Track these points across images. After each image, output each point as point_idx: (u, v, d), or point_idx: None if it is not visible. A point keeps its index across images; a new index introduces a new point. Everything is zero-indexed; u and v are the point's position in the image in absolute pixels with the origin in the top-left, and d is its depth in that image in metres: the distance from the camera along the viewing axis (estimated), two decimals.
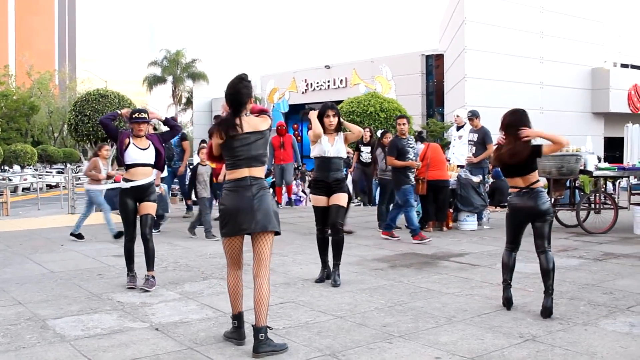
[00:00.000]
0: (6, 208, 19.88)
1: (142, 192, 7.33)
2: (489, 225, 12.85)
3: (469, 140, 13.40)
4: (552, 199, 12.31)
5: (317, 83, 48.90)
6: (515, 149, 6.29)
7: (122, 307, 6.44)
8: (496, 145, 6.71)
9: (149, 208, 7.37)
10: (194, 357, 4.87)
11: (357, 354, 4.93)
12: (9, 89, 60.94)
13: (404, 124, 11.42)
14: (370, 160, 14.87)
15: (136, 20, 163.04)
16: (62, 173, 37.24)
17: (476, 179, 12.52)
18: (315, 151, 7.65)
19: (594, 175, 12.34)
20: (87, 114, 17.18)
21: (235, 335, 5.17)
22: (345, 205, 7.57)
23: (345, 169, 8.18)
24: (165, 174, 11.74)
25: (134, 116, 7.45)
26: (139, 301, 6.66)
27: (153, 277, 7.29)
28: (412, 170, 11.20)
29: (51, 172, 47.82)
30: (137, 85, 69.92)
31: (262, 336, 4.86)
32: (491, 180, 16.54)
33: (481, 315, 6.07)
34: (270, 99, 52.67)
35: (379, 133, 13.39)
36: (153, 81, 63.88)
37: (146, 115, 7.51)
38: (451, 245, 10.51)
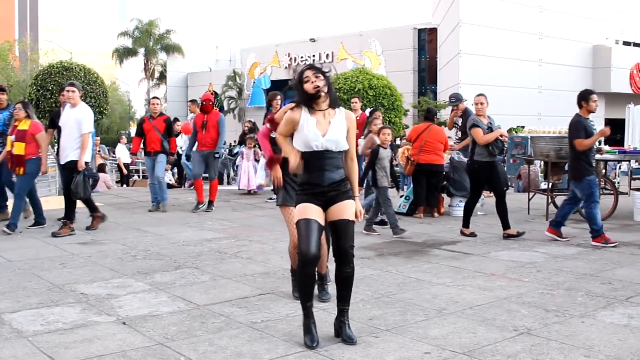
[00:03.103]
0: None
1: None
2: (482, 211, 12.88)
3: (454, 124, 13.47)
4: (550, 184, 12.41)
5: (302, 57, 48.73)
6: None
7: (86, 299, 6.40)
8: None
9: None
10: (164, 353, 4.85)
11: (341, 348, 4.94)
12: None
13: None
14: None
15: None
16: None
17: None
18: (297, 142, 5.30)
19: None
20: (50, 88, 17.02)
21: None
22: (353, 219, 5.25)
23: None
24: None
25: None
26: (105, 293, 6.63)
27: None
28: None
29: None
30: (105, 57, 69.58)
31: None
32: None
33: (473, 308, 6.10)
34: (250, 74, 52.53)
35: (367, 111, 13.40)
36: (123, 53, 63.33)
37: None
38: (442, 233, 10.55)
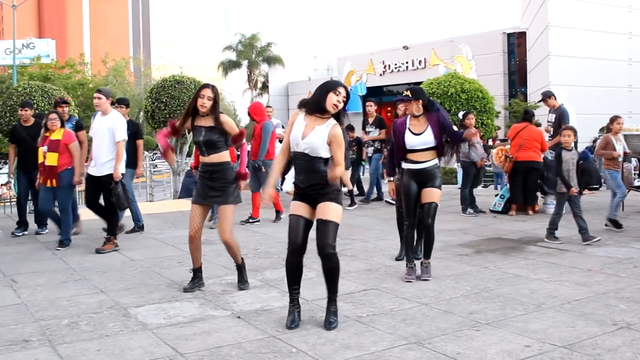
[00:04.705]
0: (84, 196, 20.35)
1: None
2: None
3: (548, 122, 13.16)
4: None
5: (395, 64, 48.51)
6: None
7: (203, 295, 6.54)
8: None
9: None
10: (276, 345, 4.92)
11: (444, 341, 4.91)
12: (85, 77, 62.25)
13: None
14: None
15: (210, 5, 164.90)
16: None
17: None
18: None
19: None
20: (164, 100, 17.43)
21: None
22: (334, 220, 5.37)
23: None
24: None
25: None
26: (220, 289, 6.76)
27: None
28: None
29: None
30: (212, 70, 70.58)
31: None
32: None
33: (571, 302, 5.96)
34: (347, 81, 52.56)
35: (460, 114, 13.24)
36: (228, 66, 64.32)
37: None
38: (538, 230, 10.34)
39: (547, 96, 12.80)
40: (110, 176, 9.00)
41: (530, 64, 38.49)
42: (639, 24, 33.47)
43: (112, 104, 9.47)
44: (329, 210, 5.34)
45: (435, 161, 7.17)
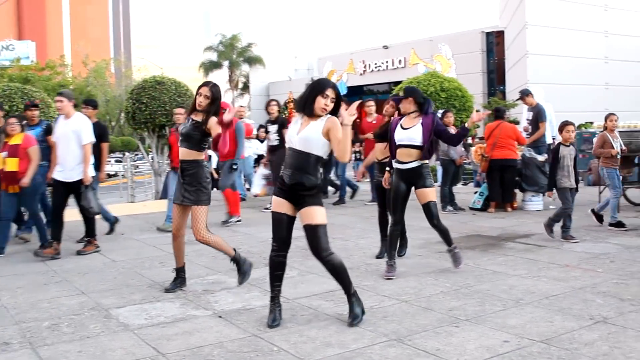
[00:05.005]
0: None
1: None
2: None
3: (526, 119, 13.24)
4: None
5: (375, 64, 48.68)
6: None
7: (184, 295, 6.53)
8: None
9: None
10: (258, 344, 4.92)
11: (424, 338, 4.93)
12: (66, 78, 61.96)
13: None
14: (278, 143, 12.38)
15: (191, 6, 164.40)
16: (121, 162, 37.92)
17: (541, 157, 12.34)
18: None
19: None
20: (144, 101, 17.31)
21: None
22: (321, 222, 5.25)
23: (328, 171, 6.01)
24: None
25: None
26: (202, 289, 6.75)
27: None
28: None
29: (109, 161, 48.59)
30: (193, 71, 70.48)
31: None
32: None
33: (549, 298, 6.01)
34: None
35: (439, 113, 13.29)
36: (209, 67, 64.26)
37: None
38: (516, 226, 10.41)
39: (524, 94, 12.88)
40: (80, 181, 8.76)
41: (509, 62, 38.77)
42: (615, 22, 33.74)
43: (75, 106, 9.09)
44: (315, 215, 5.25)
45: (421, 162, 7.18)
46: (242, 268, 6.69)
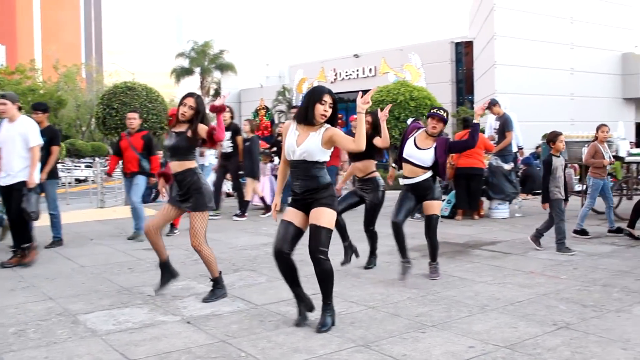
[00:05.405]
0: None
1: None
2: (520, 213, 12.81)
3: (493, 128, 13.36)
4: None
5: (346, 72, 48.75)
6: None
7: (153, 300, 6.49)
8: None
9: None
10: (226, 350, 4.91)
11: (391, 344, 4.95)
12: (36, 83, 61.41)
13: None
14: (232, 150, 12.59)
15: (163, 12, 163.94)
16: (91, 167, 37.61)
17: (507, 166, 12.47)
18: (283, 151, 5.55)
19: (626, 161, 12.34)
20: (115, 107, 17.27)
21: None
22: (327, 226, 5.35)
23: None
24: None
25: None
26: (170, 295, 6.71)
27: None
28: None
29: (79, 166, 48.24)
30: (164, 77, 70.17)
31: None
32: (522, 167, 16.45)
33: (514, 304, 6.07)
34: (299, 89, 52.60)
35: (409, 121, 13.36)
36: (181, 73, 63.92)
37: None
38: (483, 234, 10.49)
39: (492, 104, 12.99)
40: (23, 183, 8.37)
41: (477, 72, 39.04)
42: (581, 35, 34.13)
43: (20, 109, 8.64)
44: (323, 216, 5.33)
45: (427, 175, 7.22)
46: (217, 291, 6.54)
